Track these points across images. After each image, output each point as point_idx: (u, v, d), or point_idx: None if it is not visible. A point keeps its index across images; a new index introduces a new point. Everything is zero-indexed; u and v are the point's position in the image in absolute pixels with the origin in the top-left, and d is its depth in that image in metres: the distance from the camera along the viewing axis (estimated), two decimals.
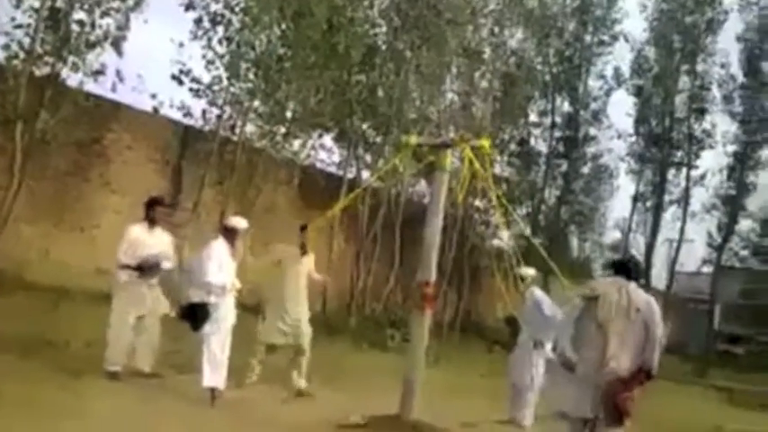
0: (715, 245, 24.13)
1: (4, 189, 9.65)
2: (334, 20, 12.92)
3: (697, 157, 23.61)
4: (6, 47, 9.60)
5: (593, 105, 23.18)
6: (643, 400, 4.82)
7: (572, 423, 4.85)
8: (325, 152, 15.24)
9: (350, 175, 15.08)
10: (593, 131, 23.30)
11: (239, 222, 6.51)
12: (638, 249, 23.72)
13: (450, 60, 16.48)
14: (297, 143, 13.60)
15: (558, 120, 22.75)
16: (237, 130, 12.55)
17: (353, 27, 13.59)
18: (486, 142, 6.92)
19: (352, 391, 7.52)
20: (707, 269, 25.74)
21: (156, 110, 12.05)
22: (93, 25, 10.10)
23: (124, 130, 12.13)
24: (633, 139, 24.04)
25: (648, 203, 24.24)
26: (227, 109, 12.38)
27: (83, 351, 7.03)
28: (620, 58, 28.17)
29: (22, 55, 9.68)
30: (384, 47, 15.31)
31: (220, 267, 6.15)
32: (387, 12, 15.32)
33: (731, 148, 23.88)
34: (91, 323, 7.08)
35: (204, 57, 11.88)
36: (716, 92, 23.58)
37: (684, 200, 23.69)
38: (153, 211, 6.71)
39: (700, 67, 23.46)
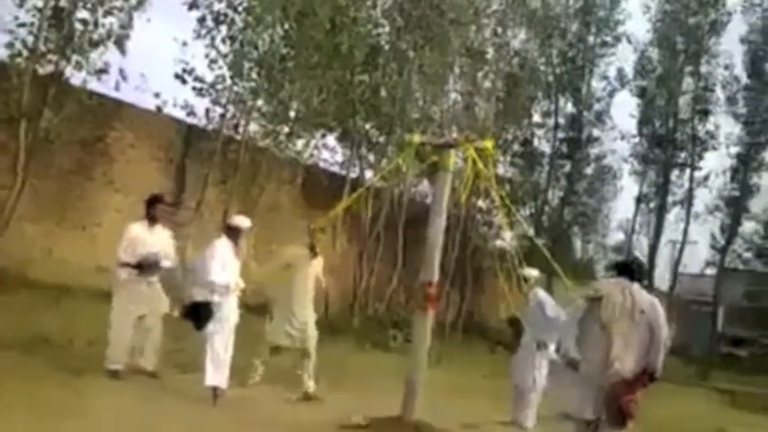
0: (718, 247, 24.01)
1: (8, 188, 9.65)
2: (337, 20, 12.91)
3: (700, 158, 23.53)
4: (10, 45, 9.60)
5: (597, 106, 23.20)
6: (645, 402, 4.80)
7: (576, 424, 4.83)
8: (329, 152, 15.29)
9: (353, 175, 15.09)
10: (596, 132, 23.32)
11: (242, 221, 6.49)
12: (641, 251, 23.66)
13: (453, 60, 16.47)
14: (300, 142, 13.60)
15: (562, 120, 22.74)
16: (241, 130, 12.56)
17: (356, 27, 13.57)
18: (489, 143, 6.90)
19: (355, 391, 7.52)
20: (710, 271, 25.67)
21: (159, 109, 12.07)
22: (96, 24, 10.08)
23: (127, 128, 12.11)
24: (636, 140, 24.02)
25: (652, 205, 24.20)
26: (231, 108, 12.39)
27: (84, 349, 7.02)
28: (623, 59, 28.33)
29: (25, 53, 9.67)
30: (387, 47, 15.31)
31: (223, 266, 6.14)
32: (390, 12, 15.33)
33: (735, 150, 23.82)
34: (92, 321, 7.08)
35: (207, 56, 11.91)
36: (719, 93, 23.54)
37: (688, 201, 23.63)
38: (154, 209, 6.68)
39: (703, 69, 23.36)
